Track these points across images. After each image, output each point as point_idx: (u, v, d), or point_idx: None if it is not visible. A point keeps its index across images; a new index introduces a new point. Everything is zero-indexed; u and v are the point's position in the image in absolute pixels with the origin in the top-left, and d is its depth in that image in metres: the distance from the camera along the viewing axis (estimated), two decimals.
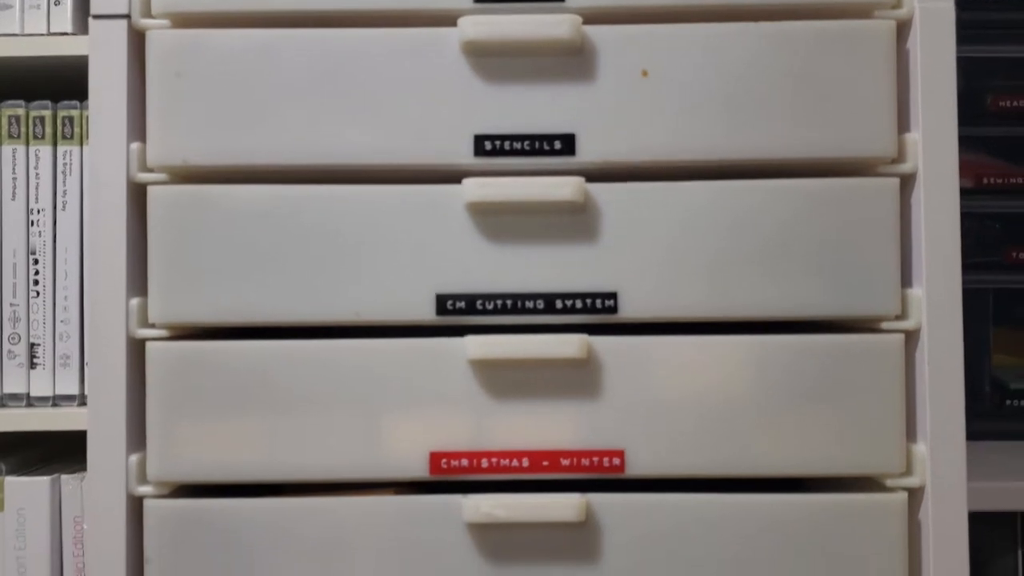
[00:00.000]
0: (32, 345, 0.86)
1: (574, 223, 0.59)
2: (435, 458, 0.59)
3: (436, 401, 0.59)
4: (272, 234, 0.59)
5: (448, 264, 0.59)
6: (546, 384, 0.59)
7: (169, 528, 0.59)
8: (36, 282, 0.86)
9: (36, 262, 0.87)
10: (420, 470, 0.59)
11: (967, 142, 0.74)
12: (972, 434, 0.81)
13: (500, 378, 0.59)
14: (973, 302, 0.86)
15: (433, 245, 0.59)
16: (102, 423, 0.59)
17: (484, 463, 0.59)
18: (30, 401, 0.86)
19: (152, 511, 0.59)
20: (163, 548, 0.59)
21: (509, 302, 0.59)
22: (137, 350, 0.59)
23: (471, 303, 0.59)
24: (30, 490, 0.84)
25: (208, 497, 0.59)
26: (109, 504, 0.59)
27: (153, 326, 0.59)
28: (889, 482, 0.59)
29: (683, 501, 0.59)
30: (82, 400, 0.86)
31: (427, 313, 0.59)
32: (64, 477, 0.85)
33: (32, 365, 0.86)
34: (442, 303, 0.59)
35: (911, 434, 0.60)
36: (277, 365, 0.59)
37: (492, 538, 0.59)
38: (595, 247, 0.59)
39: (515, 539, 0.59)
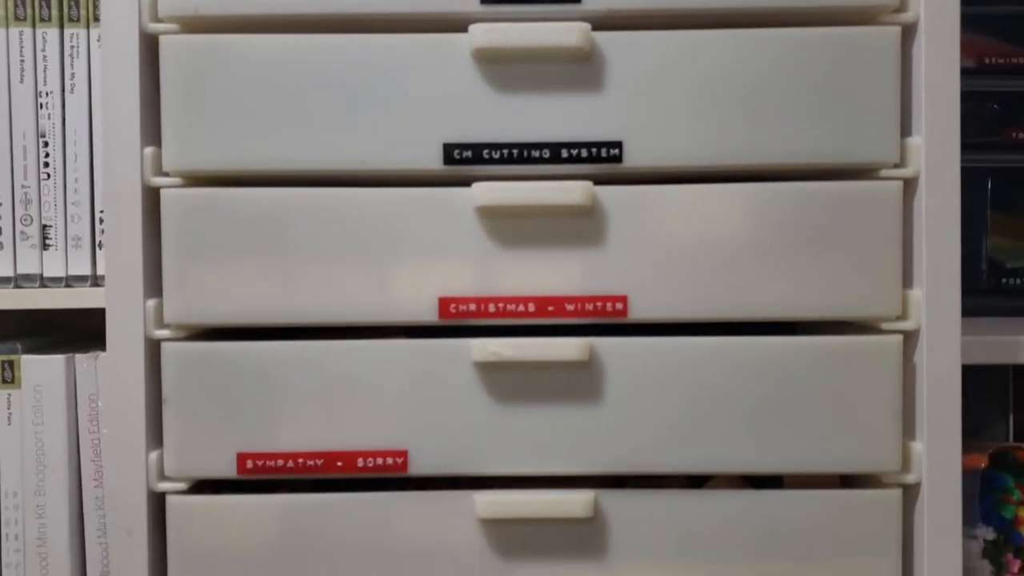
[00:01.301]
0: (44, 227, 0.88)
1: (580, 72, 0.60)
2: (444, 303, 0.60)
3: (445, 249, 0.60)
4: (282, 83, 0.60)
5: (455, 113, 0.60)
6: (551, 232, 0.60)
7: (186, 369, 0.60)
8: (46, 164, 0.88)
9: (46, 144, 0.87)
10: (430, 314, 0.60)
11: (968, 21, 0.74)
12: (969, 311, 0.83)
13: (506, 226, 0.60)
14: (971, 183, 0.87)
15: (440, 94, 0.60)
16: (119, 270, 0.60)
17: (491, 308, 0.60)
18: (43, 282, 0.88)
19: (170, 353, 0.61)
20: (181, 388, 0.60)
21: (515, 151, 0.60)
22: (151, 198, 0.61)
23: (478, 152, 0.60)
24: (46, 368, 0.86)
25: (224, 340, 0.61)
26: (128, 347, 0.60)
27: (167, 175, 0.61)
28: (885, 325, 0.61)
29: (683, 344, 0.61)
30: (95, 281, 0.88)
31: (434, 162, 0.60)
32: (79, 356, 0.87)
33: (45, 247, 0.88)
34: (449, 152, 0.60)
35: (907, 281, 0.62)
36: (289, 212, 0.60)
37: (498, 379, 0.61)
38: (601, 96, 0.60)
39: (520, 380, 0.61)
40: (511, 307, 0.60)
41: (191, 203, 0.60)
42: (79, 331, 0.97)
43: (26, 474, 0.85)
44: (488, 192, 0.59)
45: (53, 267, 0.88)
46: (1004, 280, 0.87)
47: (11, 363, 0.86)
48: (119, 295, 0.60)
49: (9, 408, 0.86)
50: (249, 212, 0.60)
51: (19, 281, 0.88)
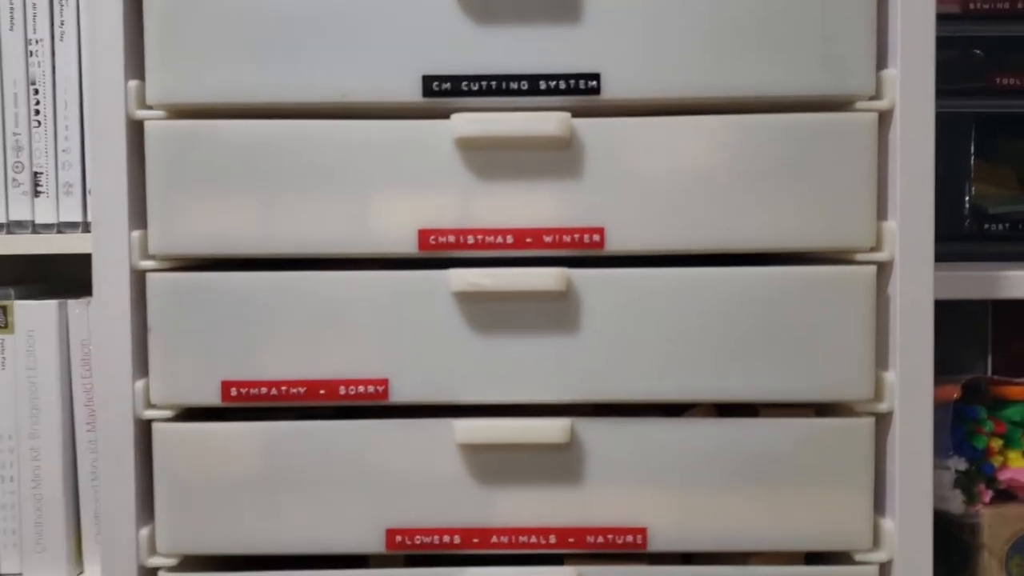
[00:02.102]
0: (35, 174, 0.89)
1: (559, 3, 0.60)
2: (423, 235, 0.61)
3: (425, 180, 0.61)
4: (263, 15, 0.60)
5: (434, 45, 0.61)
6: (530, 164, 0.61)
7: (171, 299, 0.61)
8: (37, 112, 0.88)
9: (36, 92, 0.88)
10: (410, 246, 0.61)
11: None
12: (952, 256, 0.84)
13: (485, 158, 0.61)
14: (955, 129, 0.88)
15: (419, 25, 0.61)
16: (105, 202, 0.61)
17: (470, 239, 0.61)
18: (35, 228, 0.89)
19: (155, 283, 0.62)
20: (165, 318, 0.62)
21: (494, 83, 0.61)
22: (136, 131, 0.62)
23: (456, 84, 0.61)
24: (39, 313, 0.87)
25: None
26: (113, 278, 0.61)
27: (151, 108, 0.61)
28: (859, 256, 0.62)
29: (659, 274, 0.62)
30: (86, 227, 0.89)
31: (413, 94, 0.61)
32: (71, 302, 0.88)
33: (36, 193, 0.89)
34: (428, 84, 0.61)
35: (882, 212, 0.62)
36: (271, 145, 0.61)
37: (477, 310, 0.62)
38: (579, 28, 0.61)
39: (499, 310, 0.62)
40: (490, 239, 0.61)
41: (174, 135, 0.61)
42: (71, 280, 0.98)
43: (20, 418, 0.87)
44: (467, 124, 0.60)
45: (45, 214, 0.89)
46: (987, 226, 0.87)
47: (4, 308, 0.87)
48: (105, 227, 0.61)
49: (3, 353, 0.87)
50: (231, 144, 0.61)
51: (11, 227, 0.89)
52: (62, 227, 0.89)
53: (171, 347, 0.61)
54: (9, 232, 0.88)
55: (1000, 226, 0.87)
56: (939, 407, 0.66)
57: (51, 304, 0.87)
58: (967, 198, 0.89)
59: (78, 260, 0.88)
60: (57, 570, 0.87)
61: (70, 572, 0.87)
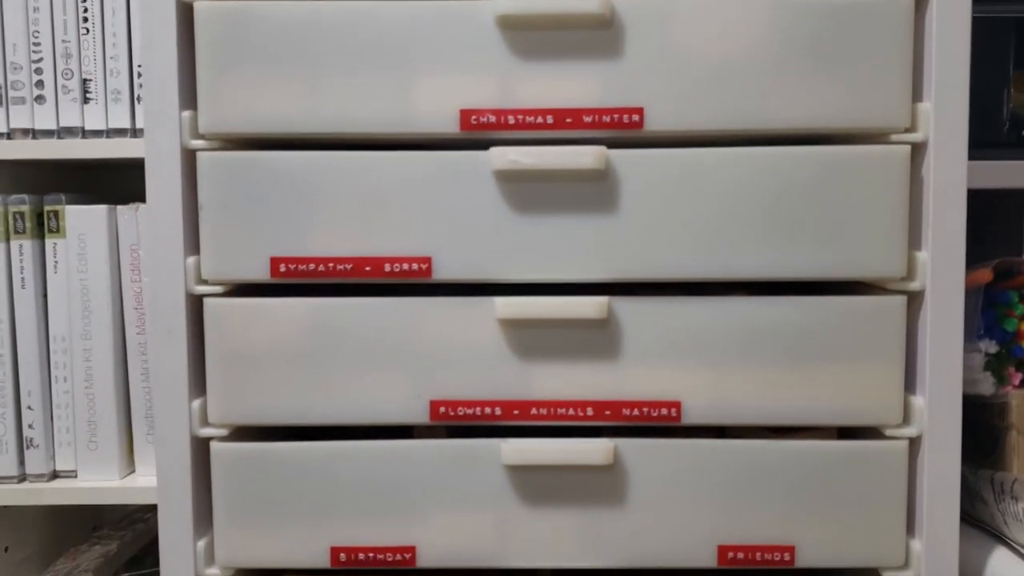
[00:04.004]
0: (84, 81, 0.91)
1: None
2: (465, 115, 0.63)
3: (466, 61, 0.63)
4: None
5: None
6: (570, 44, 0.62)
7: (221, 177, 0.64)
8: (85, 20, 0.90)
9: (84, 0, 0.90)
10: (451, 125, 0.63)
11: None
12: None
13: (526, 38, 0.62)
14: (993, 35, 0.87)
15: None
16: (155, 84, 0.63)
17: (510, 119, 0.63)
18: (84, 135, 0.91)
19: (205, 162, 0.64)
20: (216, 196, 0.64)
21: None
22: (185, 19, 0.63)
23: None
24: (89, 217, 0.90)
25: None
26: (165, 158, 0.64)
27: None
28: (894, 137, 0.63)
29: (697, 154, 0.63)
30: (134, 133, 0.91)
31: None
32: (120, 207, 0.91)
33: (85, 100, 0.91)
34: None
35: (917, 94, 0.63)
36: (318, 25, 0.63)
37: (517, 189, 0.63)
38: None
39: (538, 190, 0.63)
40: (530, 119, 0.63)
41: (222, 16, 0.63)
42: (121, 190, 1.01)
43: (73, 320, 0.90)
44: (508, 2, 0.61)
45: (94, 120, 0.91)
46: None
47: (56, 213, 0.90)
48: (156, 108, 0.63)
49: (55, 257, 0.90)
50: (278, 24, 0.62)
51: (61, 134, 0.91)
52: (111, 133, 0.91)
53: (221, 225, 0.64)
54: (59, 138, 0.91)
55: None
56: (970, 291, 0.67)
57: (101, 209, 0.90)
58: (1006, 107, 0.88)
59: (127, 170, 0.91)
60: (109, 468, 0.90)
61: (121, 470, 0.90)
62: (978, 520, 0.72)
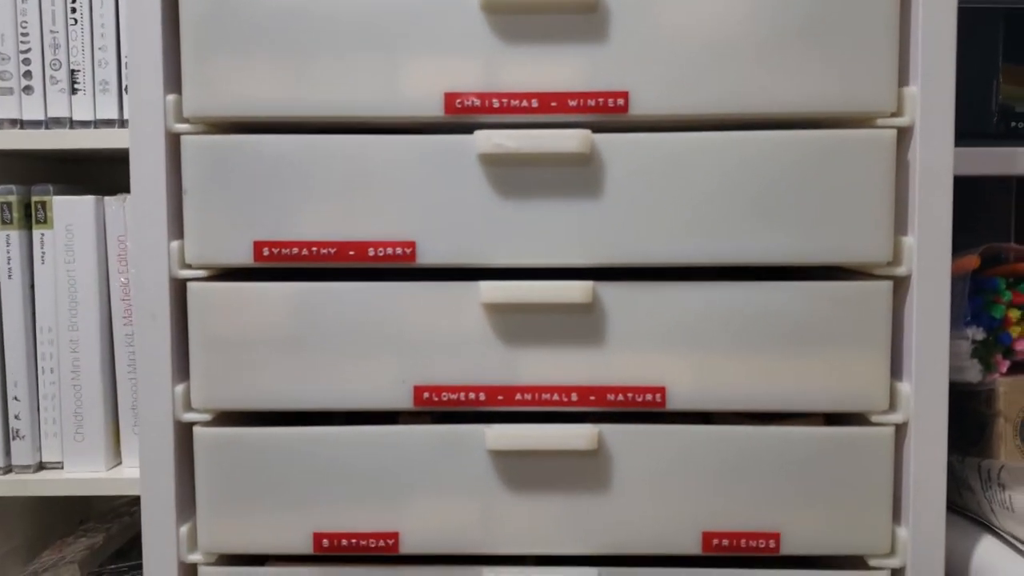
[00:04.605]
0: (72, 71, 0.91)
1: None
2: (449, 98, 0.63)
3: (450, 45, 0.63)
4: None
5: None
6: (555, 28, 0.62)
7: (206, 161, 0.63)
8: (74, 10, 0.90)
9: None
10: (435, 109, 0.63)
11: None
12: None
13: (512, 22, 0.62)
14: (983, 26, 0.87)
15: None
16: (139, 67, 0.63)
17: (495, 103, 0.63)
18: (72, 125, 0.91)
19: (189, 145, 0.63)
20: (200, 180, 0.63)
21: None
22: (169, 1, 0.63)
23: None
24: (77, 208, 0.89)
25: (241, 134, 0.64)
26: (149, 141, 0.63)
27: None
28: (880, 121, 0.63)
29: (682, 138, 0.63)
30: (122, 123, 0.91)
31: None
32: (108, 198, 0.90)
33: (73, 91, 0.91)
34: None
35: (904, 78, 0.63)
36: (303, 8, 0.62)
37: (502, 173, 0.63)
38: None
39: (523, 174, 0.63)
40: (515, 103, 0.63)
41: None
42: (109, 182, 1.01)
43: (60, 310, 0.89)
44: None
45: (82, 111, 0.91)
46: (1013, 124, 0.87)
47: (43, 204, 0.90)
48: (140, 91, 0.63)
49: (43, 248, 0.90)
50: (264, 8, 0.62)
51: (49, 124, 0.91)
52: (99, 124, 0.91)
53: (205, 209, 0.63)
54: (47, 128, 0.91)
55: None
56: (957, 277, 0.67)
57: (88, 200, 0.89)
58: (995, 97, 0.88)
59: (115, 163, 0.90)
60: (95, 460, 0.90)
61: (108, 462, 0.90)
62: (965, 508, 0.72)
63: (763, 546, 0.63)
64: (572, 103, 0.62)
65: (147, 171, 0.63)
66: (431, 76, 0.62)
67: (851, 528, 0.64)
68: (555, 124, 0.63)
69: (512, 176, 0.63)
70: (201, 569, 0.65)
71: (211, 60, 0.62)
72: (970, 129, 0.74)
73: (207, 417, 0.65)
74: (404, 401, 0.64)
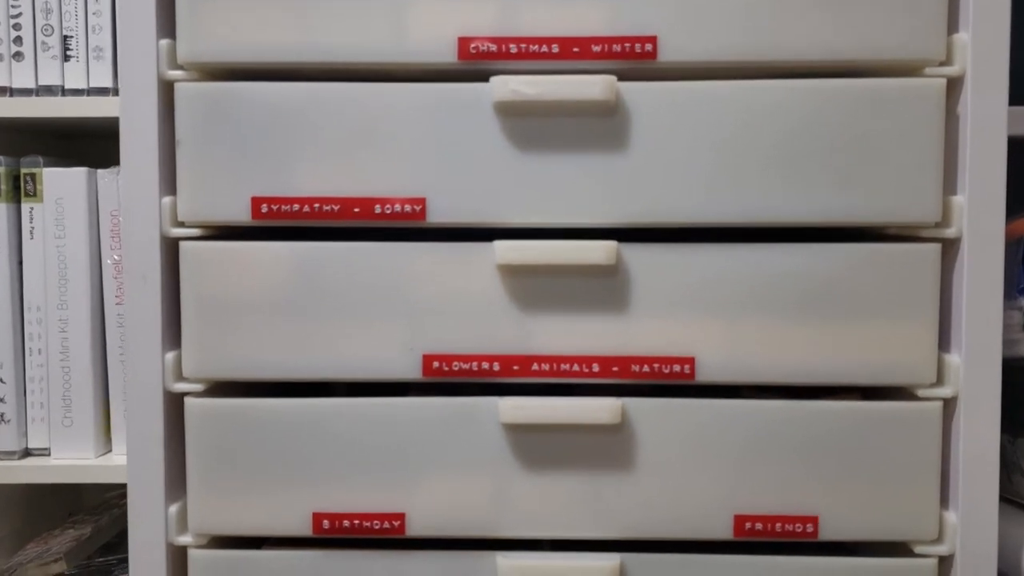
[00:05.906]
0: (65, 38, 0.87)
1: None
2: (463, 43, 0.58)
3: None
4: None
5: None
6: None
7: (200, 110, 0.59)
8: None
9: None
10: (448, 55, 0.58)
11: None
12: None
13: None
14: None
15: None
16: (131, 9, 0.59)
17: (512, 48, 0.58)
18: (64, 93, 0.87)
19: (182, 93, 0.59)
20: (194, 130, 0.59)
21: None
22: None
23: None
24: (68, 180, 0.85)
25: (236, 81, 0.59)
26: (142, 89, 0.59)
27: None
28: (928, 70, 0.58)
29: (712, 87, 0.58)
30: (115, 91, 0.87)
31: None
32: (100, 171, 0.86)
33: (66, 58, 0.87)
34: None
35: (953, 24, 0.58)
36: None
37: (520, 124, 0.59)
38: None
39: (542, 125, 0.59)
40: (533, 48, 0.58)
41: None
42: (101, 153, 0.97)
43: (49, 288, 0.85)
44: None
45: (74, 79, 0.87)
46: None
47: (33, 176, 0.86)
48: (131, 36, 0.59)
49: (32, 222, 0.86)
50: None
51: (40, 92, 0.87)
52: (92, 92, 0.87)
53: (200, 162, 0.59)
54: (37, 95, 0.87)
55: None
56: (1010, 243, 0.62)
57: (80, 171, 0.85)
58: None
59: (109, 138, 0.86)
60: (84, 446, 0.86)
61: (97, 449, 0.86)
62: (1015, 495, 0.67)
63: (800, 530, 0.58)
64: (596, 48, 0.58)
65: (138, 122, 0.59)
66: (443, 19, 0.58)
67: (895, 512, 0.59)
68: (577, 71, 0.58)
69: (530, 128, 0.58)
70: (191, 552, 0.60)
71: (207, 1, 0.58)
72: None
73: (199, 387, 0.60)
74: (412, 370, 0.59)
